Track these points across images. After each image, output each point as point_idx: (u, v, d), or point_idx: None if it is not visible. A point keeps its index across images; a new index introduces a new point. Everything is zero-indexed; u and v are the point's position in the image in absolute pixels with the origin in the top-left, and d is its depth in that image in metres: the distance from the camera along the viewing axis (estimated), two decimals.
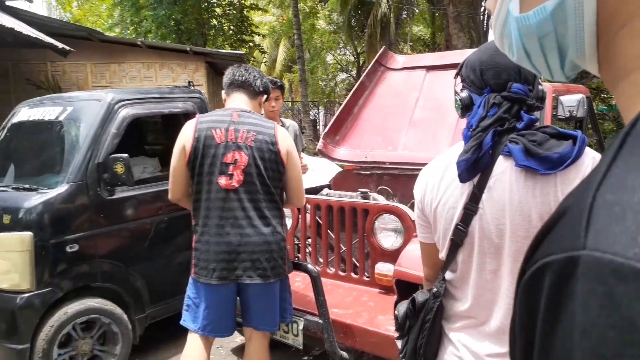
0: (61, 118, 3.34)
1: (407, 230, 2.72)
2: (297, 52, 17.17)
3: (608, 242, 0.25)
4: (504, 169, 1.19)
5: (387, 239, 2.80)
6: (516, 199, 1.16)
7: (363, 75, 4.31)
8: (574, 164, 1.12)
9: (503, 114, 1.20)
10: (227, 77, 2.52)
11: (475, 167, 1.19)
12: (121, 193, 3.24)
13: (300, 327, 2.60)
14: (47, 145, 3.44)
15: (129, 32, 13.89)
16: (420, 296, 1.37)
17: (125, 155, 3.06)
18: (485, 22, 11.85)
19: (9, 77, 8.23)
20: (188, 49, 8.41)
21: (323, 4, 16.48)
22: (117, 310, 3.21)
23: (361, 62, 22.86)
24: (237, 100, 2.46)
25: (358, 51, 22.67)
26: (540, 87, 1.28)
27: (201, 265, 2.33)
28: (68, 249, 2.99)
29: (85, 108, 3.34)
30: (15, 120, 3.64)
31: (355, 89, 4.25)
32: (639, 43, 0.34)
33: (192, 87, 3.93)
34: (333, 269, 3.09)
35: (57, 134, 3.38)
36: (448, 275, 1.32)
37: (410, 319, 1.37)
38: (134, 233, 3.37)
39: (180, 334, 2.76)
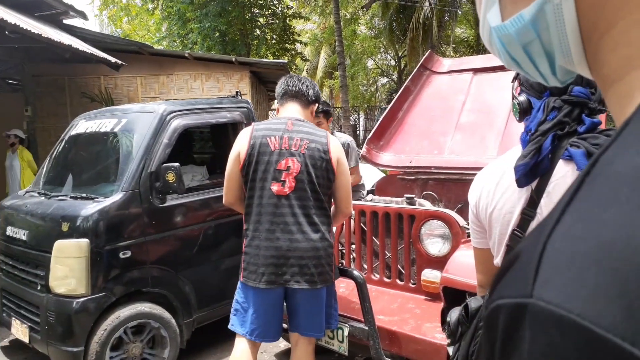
0: (116, 129, 3.49)
1: (455, 236, 2.67)
2: (338, 58, 17.21)
3: (552, 293, 0.25)
4: (564, 174, 1.16)
5: (434, 245, 2.76)
6: None
7: (408, 79, 4.28)
8: None
9: (563, 117, 1.17)
10: (280, 87, 2.58)
11: (533, 172, 1.16)
12: (172, 201, 3.34)
13: (346, 333, 2.59)
14: (103, 155, 3.60)
15: (176, 44, 14.34)
16: (473, 303, 1.35)
17: (177, 164, 3.15)
18: None
19: (65, 90, 8.68)
20: (233, 59, 8.61)
21: (365, 10, 16.42)
22: (166, 314, 3.30)
23: (402, 65, 22.70)
24: (291, 110, 2.52)
25: (399, 55, 22.53)
26: None
27: (250, 269, 2.37)
28: (121, 255, 3.11)
29: (139, 119, 3.48)
30: (73, 132, 3.83)
31: (400, 93, 4.22)
32: (619, 54, 0.33)
33: (240, 97, 4.02)
34: (378, 276, 3.07)
35: (112, 145, 3.53)
36: None
37: (462, 325, 1.36)
38: (183, 239, 3.46)
39: (226, 338, 2.82)
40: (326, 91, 29.42)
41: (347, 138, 4.34)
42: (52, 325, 3.04)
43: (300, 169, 2.34)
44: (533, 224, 1.18)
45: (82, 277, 2.98)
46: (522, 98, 1.27)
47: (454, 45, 21.92)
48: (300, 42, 17.50)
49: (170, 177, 3.17)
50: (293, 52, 15.59)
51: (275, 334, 2.47)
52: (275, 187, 2.33)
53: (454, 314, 1.40)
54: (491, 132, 3.72)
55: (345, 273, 2.68)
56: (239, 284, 2.47)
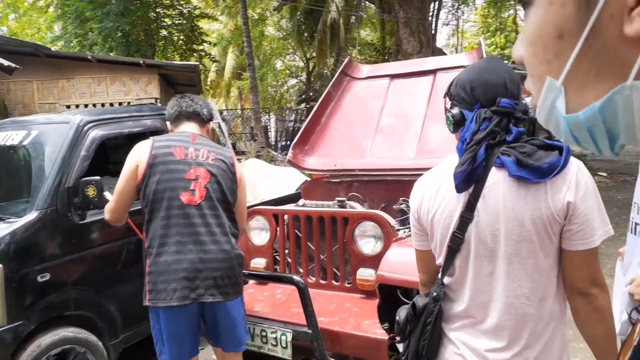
0: (26, 142, 3.21)
1: (387, 235, 2.80)
2: (247, 59, 17.09)
3: None
4: (497, 180, 1.28)
5: (368, 245, 2.87)
6: (510, 207, 1.26)
7: (329, 85, 4.39)
8: (561, 173, 1.23)
9: (494, 127, 1.29)
10: (173, 109, 2.53)
11: (470, 178, 1.28)
12: (91, 217, 3.15)
13: (289, 338, 2.62)
14: (12, 171, 3.30)
15: (73, 44, 13.41)
16: (419, 301, 1.45)
17: (97, 177, 2.98)
18: (433, 26, 12.25)
19: None
20: (141, 62, 8.25)
21: (277, 11, 16.46)
22: (92, 337, 3.11)
23: (311, 67, 23.04)
24: (189, 128, 2.49)
25: (307, 57, 22.83)
26: (523, 100, 1.39)
27: (159, 287, 2.23)
28: (39, 279, 2.88)
29: (52, 131, 3.24)
30: None
31: (322, 99, 4.33)
32: None
33: (160, 104, 3.88)
34: (314, 278, 3.13)
35: (22, 159, 3.26)
36: (445, 279, 1.41)
37: (410, 322, 1.45)
38: (105, 257, 3.28)
39: (153, 357, 2.74)
40: (235, 92, 29.07)
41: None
42: None
43: (209, 178, 2.32)
44: (471, 226, 1.30)
45: None
46: (455, 111, 1.40)
47: (359, 48, 22.66)
48: (209, 43, 17.14)
49: (91, 191, 2.99)
50: (202, 52, 15.23)
51: (194, 350, 2.40)
52: (184, 197, 2.26)
53: (402, 312, 1.49)
54: (409, 135, 3.93)
55: (284, 279, 2.70)
56: (150, 311, 2.33)
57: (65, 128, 3.19)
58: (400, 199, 3.67)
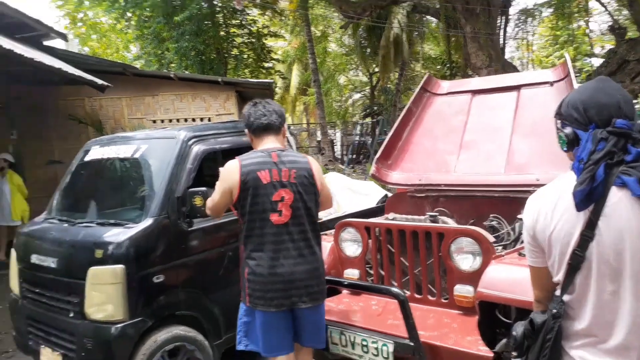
0: (137, 155, 3.51)
1: (486, 252, 2.81)
2: (313, 75, 17.48)
3: None
4: (619, 199, 1.31)
5: (465, 261, 2.89)
6: (635, 225, 1.28)
7: (409, 101, 4.47)
8: None
9: (612, 147, 1.32)
10: (248, 119, 2.72)
11: (590, 197, 1.31)
12: (198, 224, 3.38)
13: (391, 349, 2.67)
14: (126, 181, 3.59)
15: (151, 63, 14.25)
16: (538, 317, 1.47)
17: (204, 188, 3.20)
18: (502, 39, 12.05)
19: (49, 113, 8.50)
20: (219, 79, 8.67)
21: (343, 29, 16.77)
22: (200, 336, 3.32)
23: (374, 81, 23.16)
24: (269, 142, 2.69)
25: (370, 71, 22.99)
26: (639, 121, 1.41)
27: (257, 295, 2.54)
28: (155, 280, 3.13)
29: (160, 145, 3.52)
30: (88, 158, 3.82)
31: (403, 115, 4.41)
32: None
33: None
34: (407, 292, 3.17)
35: (134, 171, 3.55)
36: (565, 297, 1.42)
37: (528, 339, 1.47)
38: (211, 261, 3.50)
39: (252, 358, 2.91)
40: (300, 108, 29.66)
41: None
42: (89, 351, 3.02)
43: (294, 197, 2.55)
44: (593, 245, 1.32)
45: (119, 303, 2.98)
46: (568, 131, 1.45)
47: (422, 62, 22.58)
48: (278, 61, 17.68)
49: (198, 201, 3.21)
50: (271, 70, 15.75)
51: (289, 347, 2.65)
52: (273, 218, 2.52)
53: (519, 328, 1.51)
54: (496, 151, 3.93)
55: (384, 291, 2.78)
56: (243, 307, 2.66)
57: (172, 143, 3.46)
58: (491, 215, 3.67)
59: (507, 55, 13.88)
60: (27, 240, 3.59)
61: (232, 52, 14.66)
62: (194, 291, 3.36)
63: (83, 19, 21.02)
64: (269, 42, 16.94)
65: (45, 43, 8.35)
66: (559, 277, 1.43)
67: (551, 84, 4.01)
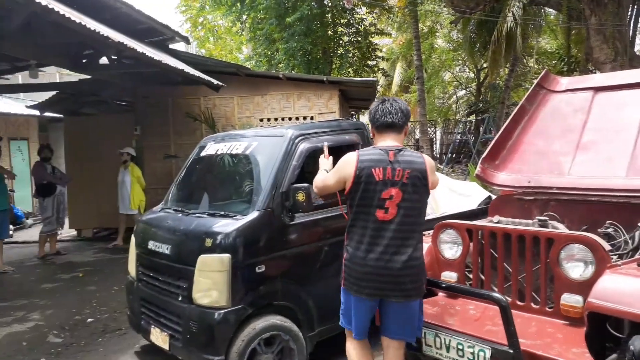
0: (248, 152, 3.74)
1: (600, 261, 2.61)
2: (417, 72, 17.19)
3: None
4: None
5: (576, 270, 2.71)
6: None
7: (523, 98, 4.24)
8: None
9: None
10: (374, 115, 2.81)
11: None
12: (299, 219, 3.52)
13: (488, 355, 2.59)
14: (236, 175, 3.84)
15: (261, 64, 14.96)
16: None
17: (307, 185, 3.32)
18: (632, 31, 10.93)
19: (169, 111, 9.31)
20: (324, 79, 8.86)
21: (454, 25, 16.30)
22: (294, 327, 3.45)
23: (482, 78, 22.19)
24: (388, 140, 2.77)
25: (478, 67, 22.05)
26: None
27: (351, 280, 2.70)
28: (257, 270, 3.30)
29: (269, 143, 3.72)
30: (203, 153, 4.14)
31: (515, 112, 4.19)
32: None
33: (355, 119, 4.18)
34: (509, 298, 3.04)
35: (244, 166, 3.78)
36: None
37: None
38: (308, 255, 3.62)
39: (342, 353, 2.97)
40: None
41: None
42: (194, 334, 3.27)
43: (402, 197, 2.61)
44: None
45: (223, 290, 3.19)
46: None
47: (536, 57, 21.17)
48: (382, 59, 17.65)
49: (300, 196, 3.34)
50: (374, 68, 15.76)
51: (366, 333, 2.82)
52: (379, 214, 2.62)
53: (639, 342, 1.40)
54: (618, 153, 3.60)
55: (485, 296, 2.69)
56: (342, 289, 2.80)
57: (280, 140, 3.63)
58: (607, 222, 3.38)
59: (636, 48, 12.52)
60: (145, 228, 3.96)
61: (337, 51, 14.89)
62: (291, 282, 3.49)
63: (203, 22, 22.64)
64: (375, 39, 16.97)
65: (170, 46, 9.17)
66: None
67: None
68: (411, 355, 3.21)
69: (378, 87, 21.58)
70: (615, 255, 3.00)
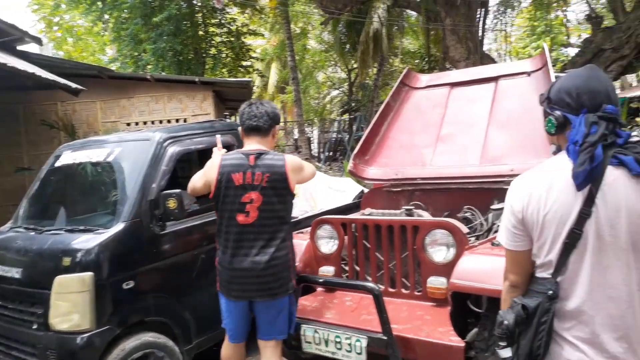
0: (110, 159, 3.44)
1: (459, 243, 2.82)
2: (292, 73, 17.43)
3: None
4: (615, 177, 1.39)
5: (439, 253, 2.90)
6: (632, 201, 1.37)
7: (388, 96, 4.46)
8: None
9: (604, 130, 1.39)
10: (241, 118, 2.87)
11: (590, 177, 1.37)
12: (171, 227, 3.33)
13: (364, 344, 2.66)
14: (98, 186, 3.52)
15: (127, 65, 14.06)
16: (531, 302, 1.47)
17: (178, 190, 3.15)
18: (480, 32, 12.12)
19: (20, 119, 8.32)
20: (196, 79, 8.57)
21: (323, 25, 16.74)
22: (169, 342, 3.26)
23: (352, 78, 23.17)
24: (254, 142, 2.83)
25: (349, 68, 22.97)
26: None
27: (223, 284, 2.78)
28: (124, 286, 3.06)
29: (134, 148, 3.46)
30: (58, 163, 3.73)
31: (382, 110, 4.40)
32: None
33: (229, 120, 4.06)
34: (382, 286, 3.16)
35: (107, 175, 3.47)
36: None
37: (520, 325, 1.47)
38: (183, 265, 3.45)
39: None
40: (278, 106, 29.52)
41: None
42: None
43: (262, 200, 2.68)
44: (590, 222, 1.38)
45: (86, 312, 2.90)
46: (558, 113, 1.48)
47: (401, 57, 22.62)
48: (257, 59, 17.58)
49: (172, 203, 3.16)
50: (249, 68, 15.64)
51: (242, 337, 2.87)
52: (240, 218, 2.68)
53: (509, 315, 1.49)
54: (472, 143, 3.94)
55: (359, 287, 2.76)
56: (218, 292, 2.85)
57: (147, 145, 3.40)
58: (465, 207, 3.68)
59: (485, 47, 13.96)
60: None
61: (210, 52, 14.53)
62: (164, 296, 3.30)
63: (59, 22, 20.71)
64: (248, 40, 16.85)
65: (19, 48, 8.18)
66: (549, 257, 1.45)
67: (528, 74, 4.04)
68: (292, 354, 3.21)
69: (254, 87, 21.51)
70: (473, 237, 3.27)
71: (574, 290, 1.43)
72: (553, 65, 4.00)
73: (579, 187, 1.38)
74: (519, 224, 1.50)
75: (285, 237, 2.77)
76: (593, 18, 11.46)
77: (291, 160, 2.80)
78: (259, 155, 2.73)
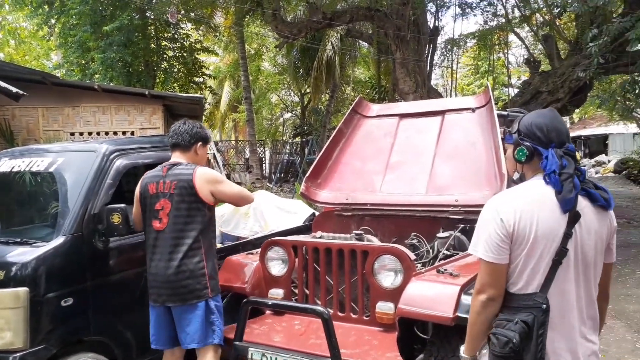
0: (52, 169, 3.28)
1: (407, 270, 2.88)
2: (245, 92, 17.43)
3: None
4: (584, 205, 1.63)
5: (387, 279, 2.95)
6: (596, 226, 1.64)
7: (341, 122, 4.55)
8: None
9: (575, 164, 1.62)
10: (168, 135, 3.14)
11: (575, 203, 1.60)
12: (115, 243, 3.20)
13: None
14: (37, 196, 3.34)
15: (74, 73, 13.56)
16: (525, 317, 1.57)
17: (123, 205, 3.04)
18: (428, 67, 12.63)
19: None
20: (146, 92, 8.39)
21: (279, 49, 16.88)
22: None
23: (306, 102, 23.45)
24: (175, 157, 3.06)
25: (302, 92, 23.25)
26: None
27: (148, 290, 2.96)
28: (63, 303, 2.90)
29: (79, 159, 3.31)
30: None
31: (334, 135, 4.48)
32: None
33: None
34: (331, 310, 3.17)
35: (48, 185, 3.30)
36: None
37: (524, 340, 1.54)
38: (126, 282, 3.30)
39: None
40: (230, 124, 29.32)
41: None
42: None
43: (171, 207, 2.86)
44: (571, 241, 1.59)
45: (19, 329, 2.71)
46: (528, 144, 1.68)
47: (353, 85, 23.16)
48: (209, 76, 17.43)
49: (116, 218, 3.05)
50: (202, 85, 15.49)
51: (164, 343, 2.99)
52: (155, 224, 2.89)
53: (511, 333, 1.55)
54: (419, 172, 4.08)
55: (308, 310, 2.76)
56: None
57: (92, 156, 3.27)
58: (412, 234, 3.79)
59: (432, 82, 14.55)
60: None
61: (161, 65, 14.28)
62: (106, 314, 3.14)
63: (1, 23, 19.73)
64: (201, 57, 16.72)
65: None
66: (536, 272, 1.60)
67: (473, 110, 4.24)
68: None
69: (206, 104, 21.27)
70: (419, 263, 3.36)
71: (552, 301, 1.59)
72: (495, 104, 4.23)
73: (566, 210, 1.57)
74: (506, 238, 1.61)
75: (196, 245, 2.88)
76: (531, 62, 12.21)
77: (202, 171, 2.94)
78: (172, 166, 2.96)
